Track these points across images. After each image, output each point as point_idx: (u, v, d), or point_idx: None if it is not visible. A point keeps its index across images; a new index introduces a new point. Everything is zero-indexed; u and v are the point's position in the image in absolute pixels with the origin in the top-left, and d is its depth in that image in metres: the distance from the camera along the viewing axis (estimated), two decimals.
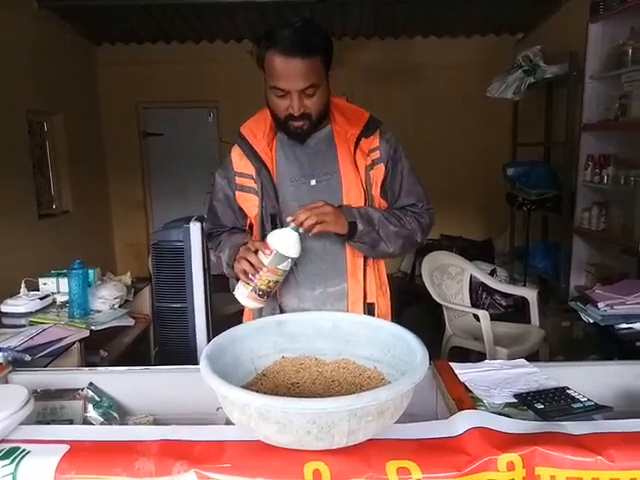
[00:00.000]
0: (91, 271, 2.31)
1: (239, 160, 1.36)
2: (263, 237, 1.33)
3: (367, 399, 0.78)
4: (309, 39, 1.18)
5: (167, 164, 5.60)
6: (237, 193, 1.37)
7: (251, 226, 1.43)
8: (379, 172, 1.34)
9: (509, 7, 4.51)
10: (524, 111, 4.47)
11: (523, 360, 1.23)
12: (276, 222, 1.32)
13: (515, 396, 1.06)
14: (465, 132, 5.23)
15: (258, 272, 1.20)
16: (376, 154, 1.34)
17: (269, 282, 1.21)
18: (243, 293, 1.25)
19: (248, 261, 1.20)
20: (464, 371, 1.16)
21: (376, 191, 1.34)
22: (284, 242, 1.19)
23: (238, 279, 1.26)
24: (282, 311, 1.37)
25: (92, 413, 1.13)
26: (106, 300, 2.17)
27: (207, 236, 1.51)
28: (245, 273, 1.21)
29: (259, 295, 1.23)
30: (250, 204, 1.36)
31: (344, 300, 1.36)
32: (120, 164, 5.54)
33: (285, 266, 1.21)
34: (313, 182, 1.32)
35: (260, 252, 1.21)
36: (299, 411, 0.77)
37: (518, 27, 5.04)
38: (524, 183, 4.06)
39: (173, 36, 5.20)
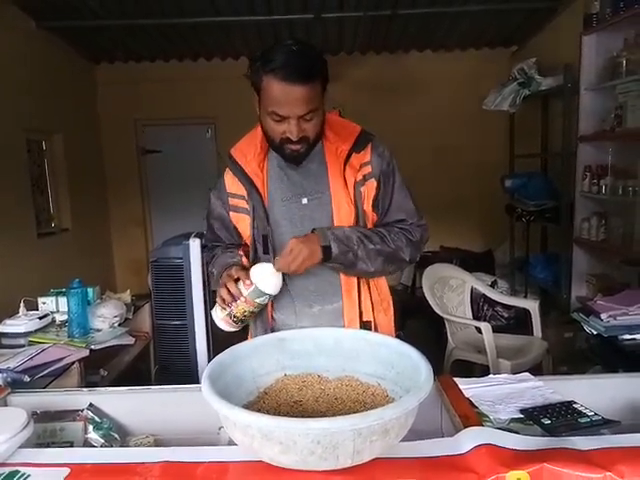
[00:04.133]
0: (90, 290, 2.29)
1: (231, 181, 1.37)
2: (255, 258, 1.35)
3: (372, 418, 0.77)
4: (309, 65, 1.17)
5: (166, 181, 5.61)
6: (231, 214, 1.39)
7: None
8: (371, 187, 1.32)
9: (502, 20, 4.56)
10: (520, 123, 4.50)
11: (528, 374, 1.22)
12: (267, 243, 1.32)
13: (521, 411, 1.05)
14: (462, 145, 5.25)
15: (236, 300, 1.23)
16: (367, 169, 1.32)
17: (244, 312, 1.24)
18: (219, 315, 1.28)
19: (228, 289, 1.22)
20: (468, 386, 1.14)
21: (368, 206, 1.33)
22: (265, 278, 1.22)
23: None
24: (277, 329, 1.36)
25: (93, 434, 1.12)
26: (105, 319, 2.15)
27: (203, 247, 1.55)
28: (223, 300, 1.24)
29: (234, 321, 1.26)
30: (244, 224, 1.37)
31: (341, 318, 1.35)
32: (119, 181, 5.55)
33: (262, 300, 1.24)
34: (304, 200, 1.31)
35: (241, 281, 1.24)
36: (303, 431, 0.76)
37: (512, 40, 5.09)
38: (522, 194, 4.08)
39: (171, 54, 5.24)
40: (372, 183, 1.32)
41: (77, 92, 5.02)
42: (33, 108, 4.14)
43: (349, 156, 1.30)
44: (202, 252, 1.58)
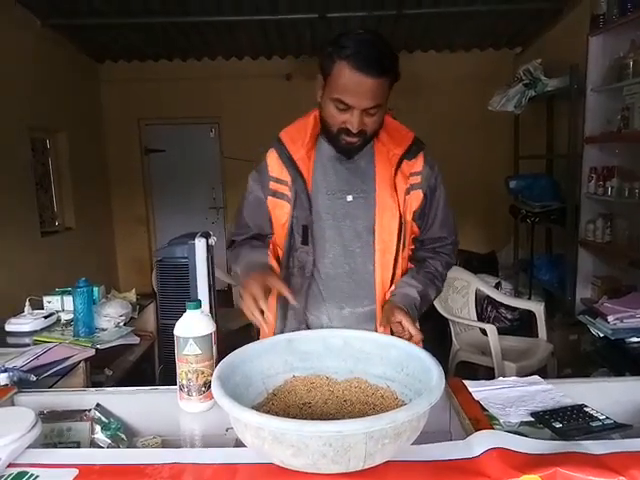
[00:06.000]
0: (96, 289, 2.29)
1: (275, 165, 1.30)
2: (290, 248, 1.30)
3: (385, 421, 0.76)
4: (385, 58, 1.14)
5: (169, 180, 5.62)
6: (269, 199, 1.31)
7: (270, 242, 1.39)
8: (416, 198, 1.30)
9: (507, 21, 4.55)
10: (525, 124, 4.49)
11: (537, 377, 1.21)
12: (307, 234, 1.27)
13: (532, 414, 1.04)
14: (466, 146, 5.24)
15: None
16: (417, 179, 1.29)
17: (186, 374, 1.13)
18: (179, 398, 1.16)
19: None
20: (478, 389, 1.14)
21: (409, 216, 1.30)
22: (182, 324, 1.14)
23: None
24: (285, 328, 1.34)
25: (100, 435, 1.11)
26: (111, 318, 2.15)
27: (229, 243, 1.43)
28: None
29: (187, 393, 1.13)
30: (281, 211, 1.30)
31: (373, 321, 1.32)
32: (122, 180, 5.56)
33: (191, 350, 1.12)
34: (349, 198, 1.27)
35: None
36: (315, 434, 0.76)
37: (517, 41, 5.08)
38: (527, 196, 4.06)
39: (175, 53, 5.25)
40: (418, 194, 1.30)
41: (81, 91, 5.03)
42: (37, 106, 4.14)
43: (401, 162, 1.27)
44: (228, 249, 1.46)
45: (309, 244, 1.27)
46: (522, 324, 3.74)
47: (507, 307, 3.76)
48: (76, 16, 4.17)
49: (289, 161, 1.27)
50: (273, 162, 1.30)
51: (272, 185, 1.30)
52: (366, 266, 1.29)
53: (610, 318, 2.04)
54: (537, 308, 2.93)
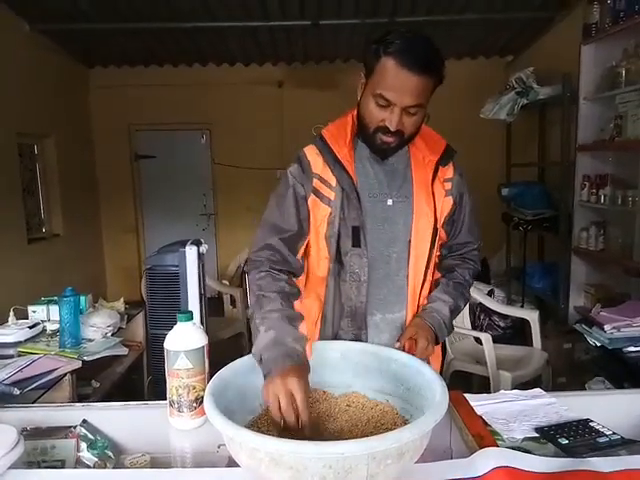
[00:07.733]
0: (83, 298, 2.23)
1: (316, 163, 1.23)
2: (338, 254, 1.23)
3: (389, 441, 0.72)
4: (431, 58, 1.12)
5: (159, 186, 5.56)
6: (311, 197, 1.22)
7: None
8: (447, 204, 1.29)
9: (499, 29, 4.57)
10: (517, 132, 4.49)
11: (540, 390, 1.17)
12: (359, 235, 1.21)
13: (537, 430, 1.00)
14: (458, 153, 5.18)
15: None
16: (448, 185, 1.29)
17: (176, 389, 1.10)
18: (168, 414, 1.13)
19: None
20: (479, 403, 1.10)
21: (440, 222, 1.28)
22: (173, 336, 1.11)
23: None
24: (340, 337, 1.27)
25: (86, 453, 1.06)
26: (98, 328, 2.09)
27: (252, 262, 1.22)
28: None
29: (177, 409, 1.10)
30: (319, 213, 1.23)
31: (402, 328, 1.28)
32: (112, 187, 5.50)
33: (183, 364, 1.09)
34: (390, 202, 1.24)
35: None
36: (315, 455, 0.71)
37: (508, 49, 5.10)
38: (519, 203, 4.06)
39: (166, 59, 5.21)
40: (449, 200, 1.29)
41: (70, 96, 4.97)
42: (25, 111, 4.07)
43: (437, 168, 1.26)
44: (245, 265, 1.29)
45: (362, 246, 1.21)
46: (514, 332, 3.72)
47: (500, 315, 3.75)
48: (66, 21, 4.11)
49: (333, 160, 1.21)
50: (314, 159, 1.24)
51: (316, 183, 1.23)
52: (400, 272, 1.26)
53: (607, 327, 2.01)
54: (532, 316, 2.90)
